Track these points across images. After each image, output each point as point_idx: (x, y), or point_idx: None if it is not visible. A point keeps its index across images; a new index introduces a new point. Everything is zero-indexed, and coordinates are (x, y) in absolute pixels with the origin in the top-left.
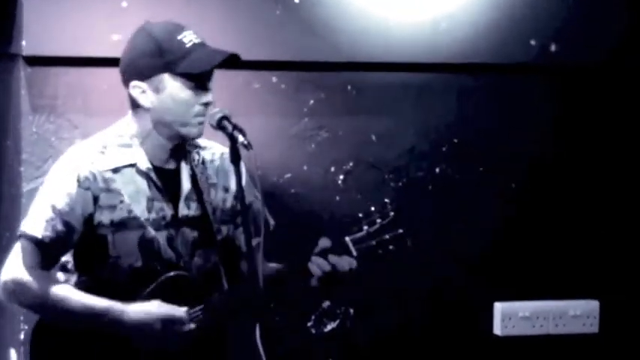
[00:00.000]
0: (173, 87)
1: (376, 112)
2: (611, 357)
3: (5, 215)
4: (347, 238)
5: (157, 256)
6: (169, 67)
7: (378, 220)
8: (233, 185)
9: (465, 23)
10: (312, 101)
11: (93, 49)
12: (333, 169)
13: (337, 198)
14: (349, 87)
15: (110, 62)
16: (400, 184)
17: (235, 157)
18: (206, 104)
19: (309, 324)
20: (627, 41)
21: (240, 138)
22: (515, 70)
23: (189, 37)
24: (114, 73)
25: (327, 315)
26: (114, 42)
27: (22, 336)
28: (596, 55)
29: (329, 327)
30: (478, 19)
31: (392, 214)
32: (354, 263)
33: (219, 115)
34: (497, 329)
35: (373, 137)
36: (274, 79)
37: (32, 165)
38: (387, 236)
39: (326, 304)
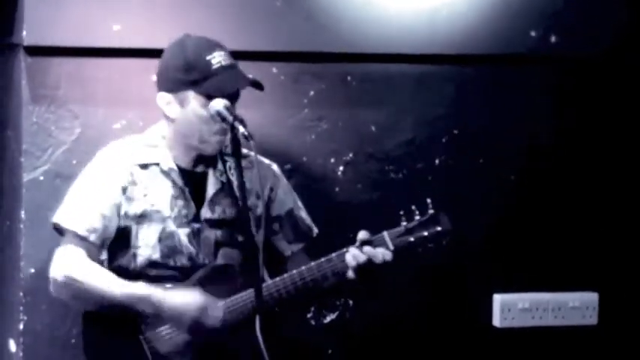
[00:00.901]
0: (196, 104)
1: (376, 103)
2: (610, 349)
3: (6, 205)
4: (385, 232)
5: (178, 250)
6: (193, 85)
7: (417, 217)
8: (266, 192)
9: (464, 14)
10: (311, 92)
11: (94, 40)
12: (332, 160)
13: (337, 189)
14: (349, 78)
15: (111, 52)
16: (400, 175)
17: (236, 148)
18: None
19: (308, 315)
20: (628, 33)
21: (241, 129)
22: (514, 61)
23: (218, 59)
24: (114, 64)
25: (326, 306)
26: (115, 32)
27: (21, 326)
28: (596, 47)
29: (328, 318)
30: (477, 9)
31: (431, 212)
32: (388, 256)
33: (220, 106)
34: (497, 321)
35: (373, 128)
36: (274, 70)
37: (33, 155)
38: (426, 233)
39: None
